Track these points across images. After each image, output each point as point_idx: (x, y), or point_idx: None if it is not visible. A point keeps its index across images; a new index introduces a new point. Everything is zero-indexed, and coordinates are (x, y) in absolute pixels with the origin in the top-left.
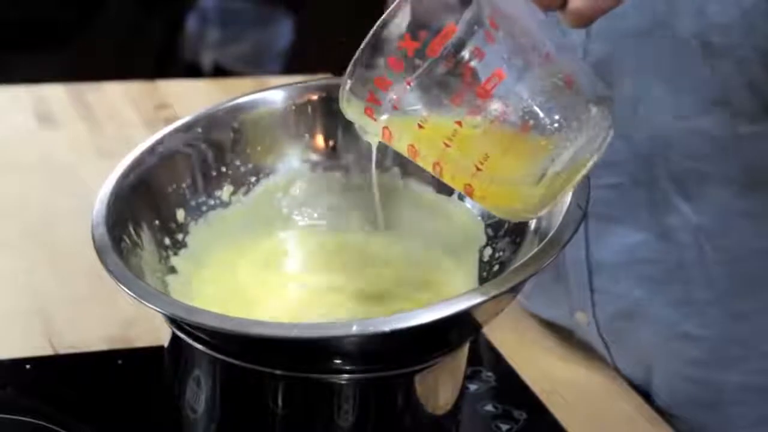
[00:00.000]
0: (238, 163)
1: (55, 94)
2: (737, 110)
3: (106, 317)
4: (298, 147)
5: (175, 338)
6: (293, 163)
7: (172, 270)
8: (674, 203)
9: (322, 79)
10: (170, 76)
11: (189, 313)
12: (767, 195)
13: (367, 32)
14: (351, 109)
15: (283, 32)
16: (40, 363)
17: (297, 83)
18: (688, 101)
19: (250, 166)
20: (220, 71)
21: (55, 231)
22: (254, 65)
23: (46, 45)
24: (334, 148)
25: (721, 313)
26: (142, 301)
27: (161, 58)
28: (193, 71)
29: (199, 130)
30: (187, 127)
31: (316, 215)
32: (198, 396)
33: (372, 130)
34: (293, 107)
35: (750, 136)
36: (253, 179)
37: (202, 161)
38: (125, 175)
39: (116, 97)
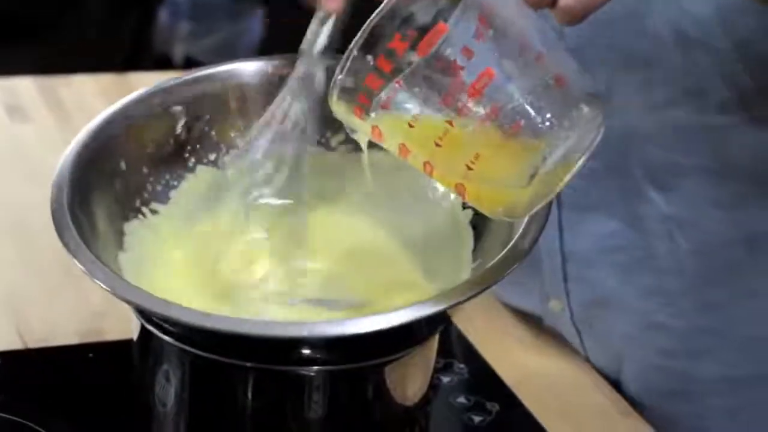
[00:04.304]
0: (200, 136)
1: (25, 87)
2: (711, 101)
3: (77, 310)
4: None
5: (144, 331)
6: (258, 138)
7: (129, 247)
8: (646, 193)
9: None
10: (141, 68)
11: (159, 306)
12: (739, 185)
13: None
14: (341, 108)
15: (255, 25)
16: (10, 357)
17: (263, 57)
18: (661, 91)
19: (213, 140)
20: (191, 64)
21: (24, 224)
22: (226, 58)
23: (17, 38)
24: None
25: (692, 303)
26: (111, 291)
27: (133, 51)
28: (165, 64)
29: (158, 101)
30: (147, 98)
31: (283, 194)
32: (167, 389)
33: (362, 129)
34: (257, 81)
35: (722, 127)
36: (214, 155)
37: (163, 134)
38: (83, 148)
39: (87, 90)
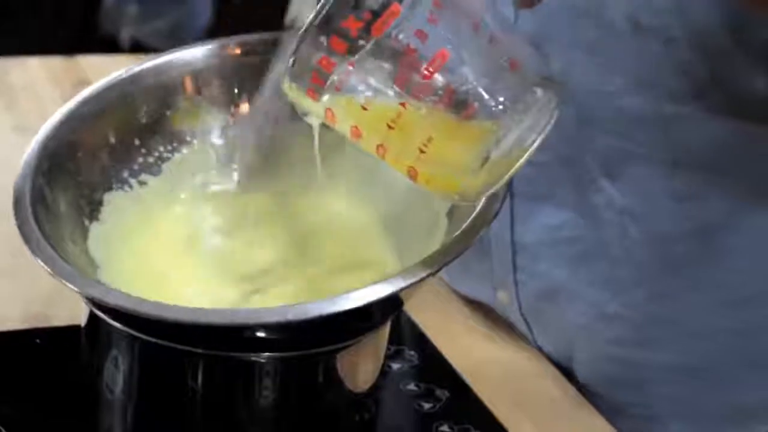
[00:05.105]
0: (155, 125)
1: None
2: (665, 91)
3: (24, 295)
4: (216, 106)
5: (92, 316)
6: (212, 123)
7: (89, 238)
8: (600, 183)
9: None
10: (88, 51)
11: (105, 294)
12: (692, 176)
13: (284, 11)
14: (293, 90)
15: (203, 8)
16: None
17: (212, 40)
18: (616, 80)
19: (168, 128)
20: (138, 48)
21: None
22: (173, 42)
23: None
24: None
25: (644, 293)
26: (63, 281)
27: (79, 34)
28: (112, 47)
29: (115, 94)
30: (104, 91)
31: (239, 178)
32: (116, 375)
33: (315, 111)
34: (209, 65)
35: (677, 117)
36: (173, 144)
37: (120, 125)
38: (44, 143)
39: (35, 72)
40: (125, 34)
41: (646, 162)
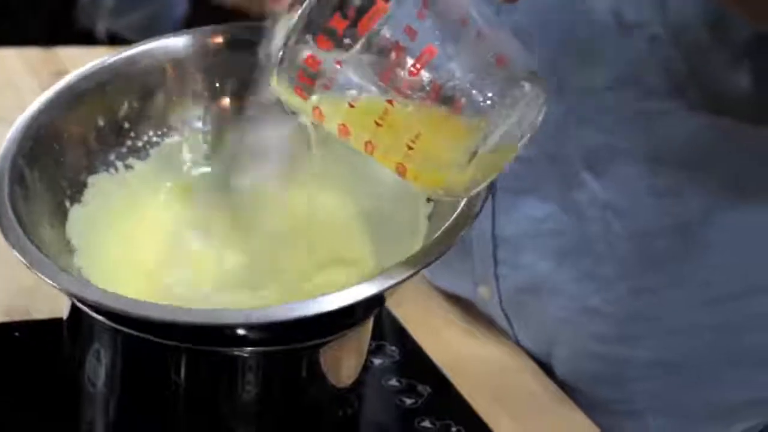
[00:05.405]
0: (145, 110)
1: None
2: (647, 87)
3: (3, 287)
4: (200, 96)
5: (74, 309)
6: (197, 112)
7: (69, 221)
8: (582, 178)
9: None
10: (64, 43)
11: (83, 290)
12: (675, 172)
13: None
14: (281, 89)
15: (179, 1)
16: None
17: (197, 29)
18: (599, 76)
19: (153, 115)
20: (114, 40)
21: None
22: (150, 34)
23: None
24: (240, 96)
25: (626, 289)
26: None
27: (55, 26)
28: (88, 40)
29: (107, 75)
30: (96, 72)
31: (223, 169)
32: (98, 369)
33: (303, 109)
34: (196, 53)
35: (659, 113)
36: (158, 131)
37: (104, 112)
38: (29, 123)
39: (11, 63)
40: (101, 27)
41: (628, 158)
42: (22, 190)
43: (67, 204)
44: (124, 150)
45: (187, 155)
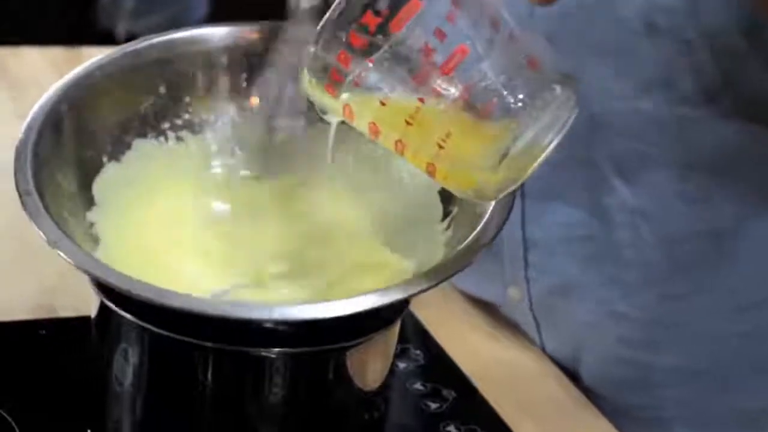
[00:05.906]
0: (169, 102)
1: None
2: (679, 93)
3: (29, 285)
4: (232, 90)
5: (103, 307)
6: (228, 105)
7: (97, 181)
8: (612, 184)
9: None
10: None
11: (121, 281)
12: (705, 179)
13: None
14: (312, 86)
15: (199, 4)
16: None
17: (231, 23)
18: (629, 82)
19: (182, 106)
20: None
21: None
22: None
23: None
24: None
25: (653, 295)
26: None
27: (76, 27)
28: (108, 41)
29: (124, 65)
30: (113, 62)
31: (249, 164)
32: (125, 368)
33: (333, 107)
34: (230, 48)
35: (690, 119)
36: (182, 120)
37: (131, 98)
38: (77, 78)
39: (36, 62)
40: (121, 29)
41: (659, 164)
42: (55, 134)
43: (104, 159)
44: (179, 122)
45: (220, 149)
